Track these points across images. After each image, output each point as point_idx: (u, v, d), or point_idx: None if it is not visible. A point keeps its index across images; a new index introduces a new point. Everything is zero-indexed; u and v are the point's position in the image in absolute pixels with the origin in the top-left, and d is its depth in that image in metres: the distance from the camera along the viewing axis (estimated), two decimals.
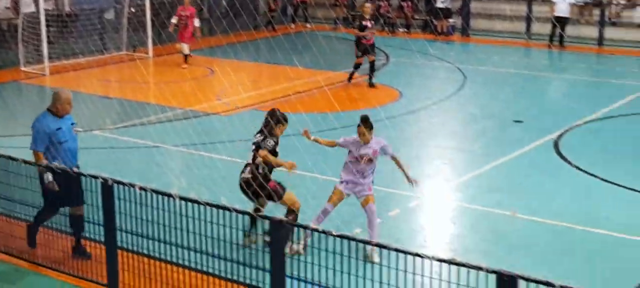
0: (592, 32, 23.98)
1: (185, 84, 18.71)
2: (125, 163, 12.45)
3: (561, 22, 23.45)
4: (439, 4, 25.18)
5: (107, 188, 7.88)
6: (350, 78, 18.70)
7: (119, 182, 7.85)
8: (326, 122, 14.77)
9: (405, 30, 26.42)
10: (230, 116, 15.19)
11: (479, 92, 17.86)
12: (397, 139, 13.80)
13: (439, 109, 16.43)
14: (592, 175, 11.80)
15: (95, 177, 8.01)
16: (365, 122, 8.98)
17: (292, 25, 27.53)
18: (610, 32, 23.83)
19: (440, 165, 12.50)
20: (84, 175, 8.23)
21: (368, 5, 19.74)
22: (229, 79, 18.19)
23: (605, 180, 11.55)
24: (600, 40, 23.70)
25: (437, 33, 25.35)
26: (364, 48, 18.18)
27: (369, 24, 18.29)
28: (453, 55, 22.33)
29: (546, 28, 23.65)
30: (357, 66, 18.49)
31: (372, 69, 18.38)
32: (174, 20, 20.38)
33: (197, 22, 20.50)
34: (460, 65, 20.66)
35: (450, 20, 25.43)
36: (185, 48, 20.39)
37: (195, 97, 16.90)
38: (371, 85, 18.33)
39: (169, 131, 14.33)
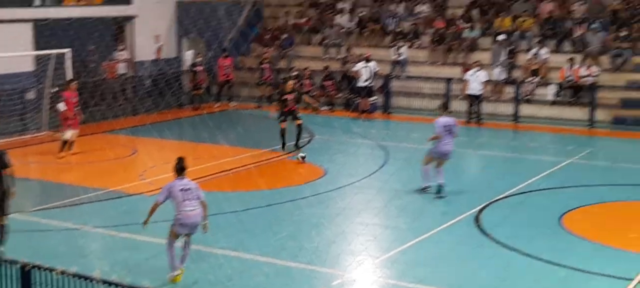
0: (508, 109, 24.79)
1: (108, 164, 18.47)
2: (45, 247, 12.16)
3: (475, 99, 24.22)
4: (361, 83, 25.68)
5: (26, 274, 7.69)
6: (283, 146, 19.63)
7: (38, 267, 7.67)
8: (252, 200, 14.82)
9: (328, 108, 26.80)
10: (155, 196, 15.02)
11: (401, 168, 18.17)
12: (322, 216, 13.93)
13: (363, 186, 16.62)
14: (513, 249, 12.08)
15: (14, 263, 7.81)
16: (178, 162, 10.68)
17: (217, 104, 27.61)
18: (525, 109, 24.68)
19: (366, 241, 12.61)
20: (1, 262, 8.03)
21: (291, 82, 20.16)
22: (152, 158, 18.07)
23: (526, 254, 11.84)
24: (516, 117, 24.51)
25: (359, 111, 25.79)
26: (287, 114, 19.50)
27: (289, 96, 19.49)
28: (375, 133, 22.71)
29: (464, 105, 24.37)
30: (283, 132, 19.48)
31: (299, 132, 19.61)
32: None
33: (61, 107, 19.37)
34: (382, 142, 21.03)
35: (372, 98, 25.94)
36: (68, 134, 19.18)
37: (118, 177, 16.70)
38: (297, 146, 19.43)
39: (90, 212, 14.10)
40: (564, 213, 14.06)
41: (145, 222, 10.67)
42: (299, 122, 19.58)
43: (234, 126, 23.66)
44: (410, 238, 12.60)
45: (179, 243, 10.71)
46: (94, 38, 25.09)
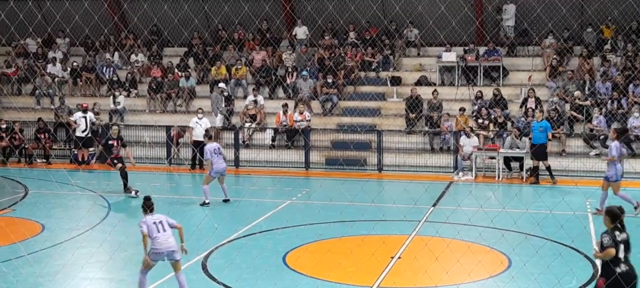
0: (229, 154, 25.30)
1: None
2: None
3: (200, 146, 24.46)
4: (79, 133, 24.86)
5: None
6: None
7: None
8: None
9: (44, 161, 25.55)
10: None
11: (124, 219, 17.78)
12: (41, 276, 13.17)
13: (85, 239, 16.00)
14: None
15: None
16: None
17: None
18: (245, 154, 25.38)
19: None
20: None
21: (115, 128, 21.22)
22: None
23: None
24: (237, 162, 25.10)
25: (78, 162, 24.88)
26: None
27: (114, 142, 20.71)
28: (96, 184, 22.04)
29: (189, 153, 24.51)
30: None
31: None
32: None
33: None
34: (103, 193, 20.45)
35: (91, 149, 25.17)
36: None
37: None
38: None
39: None
40: (287, 253, 14.60)
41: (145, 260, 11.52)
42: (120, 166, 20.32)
43: None
44: None
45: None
46: None
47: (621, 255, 9.61)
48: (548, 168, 21.85)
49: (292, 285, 12.86)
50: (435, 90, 26.07)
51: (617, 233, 9.68)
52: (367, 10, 26.93)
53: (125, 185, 20.33)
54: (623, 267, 9.58)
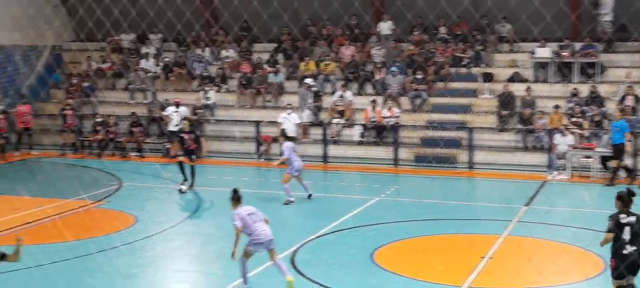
0: (317, 150, 25.34)
1: None
2: None
3: (289, 141, 24.56)
4: (171, 128, 25.28)
5: None
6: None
7: None
8: (58, 253, 14.03)
9: (138, 154, 26.13)
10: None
11: (214, 212, 17.98)
12: (134, 266, 13.43)
13: (176, 232, 16.27)
14: (326, 287, 12.23)
15: None
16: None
17: (17, 153, 26.15)
18: (333, 150, 25.34)
19: None
20: None
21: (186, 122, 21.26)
22: None
23: None
24: (325, 158, 25.09)
25: (170, 156, 25.34)
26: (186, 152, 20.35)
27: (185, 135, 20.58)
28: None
29: (276, 148, 24.61)
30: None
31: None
32: None
33: None
34: (194, 186, 20.70)
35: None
36: None
37: None
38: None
39: None
40: (375, 250, 14.46)
41: (233, 254, 11.61)
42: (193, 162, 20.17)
43: (35, 176, 22.45)
44: (226, 284, 12.42)
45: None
46: None
47: (626, 237, 9.97)
48: (624, 167, 21.20)
49: (379, 283, 12.72)
50: (528, 87, 25.41)
51: (623, 216, 10.07)
52: (458, 4, 26.46)
53: (187, 178, 20.11)
54: (629, 249, 9.96)
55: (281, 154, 18.76)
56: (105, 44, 30.96)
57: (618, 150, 21.12)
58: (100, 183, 21.19)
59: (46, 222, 16.58)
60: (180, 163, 20.15)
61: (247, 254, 11.89)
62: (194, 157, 20.27)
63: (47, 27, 29.22)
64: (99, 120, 26.68)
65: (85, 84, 28.99)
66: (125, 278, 12.67)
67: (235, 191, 12.03)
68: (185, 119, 22.19)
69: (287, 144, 18.78)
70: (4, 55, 27.96)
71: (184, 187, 19.92)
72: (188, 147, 20.24)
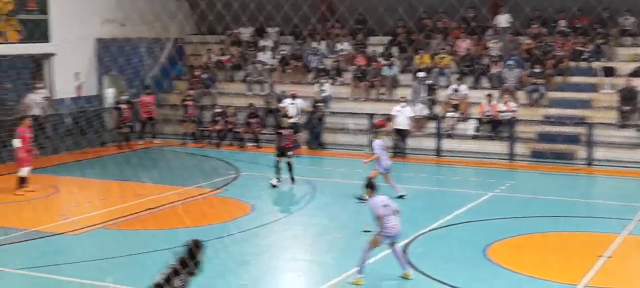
0: (431, 143, 25.24)
1: (28, 204, 17.96)
2: None
3: (401, 134, 24.65)
4: (293, 120, 25.66)
5: None
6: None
7: None
8: (180, 238, 14.57)
9: (255, 144, 26.75)
10: (78, 235, 14.70)
11: (329, 203, 18.24)
12: (249, 254, 13.84)
13: (290, 222, 16.63)
14: (438, 281, 12.24)
15: None
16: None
17: (141, 141, 27.27)
18: (447, 144, 25.17)
19: (294, 277, 12.58)
20: None
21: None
22: (75, 198, 17.67)
23: (451, 286, 12.01)
24: (438, 151, 24.97)
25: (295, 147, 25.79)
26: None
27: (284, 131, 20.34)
28: (301, 168, 22.70)
29: (389, 140, 24.69)
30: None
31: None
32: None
33: (17, 143, 19.04)
34: (309, 177, 21.06)
35: (299, 134, 26.02)
36: (24, 171, 19.02)
37: (39, 217, 16.25)
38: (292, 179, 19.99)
39: (10, 254, 13.66)
40: (488, 245, 14.34)
41: (375, 242, 12.02)
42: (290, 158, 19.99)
43: (157, 163, 23.38)
44: (338, 274, 12.61)
45: None
46: (12, 76, 24.52)
47: None
48: None
49: (491, 277, 12.64)
50: None
51: None
52: None
53: (279, 177, 19.96)
54: None
55: (372, 151, 18.41)
56: (225, 37, 31.80)
57: None
58: (219, 172, 21.85)
59: (167, 208, 17.26)
60: (278, 159, 19.94)
61: (375, 243, 12.09)
62: (290, 152, 20.17)
63: (171, 21, 30.27)
64: (218, 111, 27.45)
65: (205, 76, 29.85)
66: (240, 265, 13.07)
67: (370, 180, 12.36)
68: (284, 115, 22.31)
69: (378, 142, 18.41)
70: (131, 47, 29.17)
71: (274, 182, 19.75)
72: (285, 144, 19.98)
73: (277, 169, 19.85)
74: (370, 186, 12.20)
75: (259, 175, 21.67)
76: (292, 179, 19.96)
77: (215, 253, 13.87)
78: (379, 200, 12.02)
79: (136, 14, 26.93)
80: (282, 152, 19.93)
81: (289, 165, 19.93)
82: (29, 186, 18.99)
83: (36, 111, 24.65)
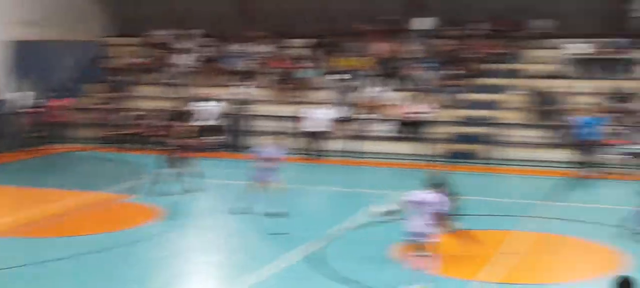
0: (350, 145, 25.26)
1: None
2: None
3: (316, 136, 24.65)
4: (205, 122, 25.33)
5: None
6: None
7: None
8: (97, 243, 14.18)
9: (167, 148, 26.20)
10: None
11: (242, 206, 17.99)
12: (160, 258, 13.49)
13: (203, 225, 16.36)
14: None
15: None
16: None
17: (52, 146, 26.60)
18: (365, 145, 25.22)
19: (207, 279, 12.40)
20: None
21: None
22: None
23: (356, 281, 11.98)
24: (355, 153, 25.00)
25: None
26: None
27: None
28: (219, 171, 22.35)
29: (303, 142, 24.73)
30: None
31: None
32: None
33: None
34: (226, 181, 20.73)
35: (221, 137, 25.78)
36: None
37: None
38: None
39: None
40: (391, 245, 14.24)
41: None
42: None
43: (66, 169, 22.81)
44: (253, 272, 12.44)
45: None
46: None
47: None
48: None
49: (391, 277, 12.58)
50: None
51: None
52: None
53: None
54: None
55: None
56: (142, 39, 31.33)
57: None
58: (131, 177, 21.36)
59: (74, 214, 16.75)
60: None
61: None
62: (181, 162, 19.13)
63: (84, 24, 29.60)
64: (134, 114, 26.88)
65: (122, 79, 29.30)
66: (154, 268, 12.77)
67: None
68: (185, 121, 21.70)
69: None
70: (44, 49, 28.20)
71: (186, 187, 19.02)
72: (177, 153, 19.10)
73: (177, 175, 18.99)
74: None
75: (171, 180, 21.27)
76: (186, 190, 18.95)
77: (123, 259, 13.53)
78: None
79: (50, 15, 26.29)
80: (173, 162, 18.96)
81: (179, 174, 18.95)
82: None
83: None
